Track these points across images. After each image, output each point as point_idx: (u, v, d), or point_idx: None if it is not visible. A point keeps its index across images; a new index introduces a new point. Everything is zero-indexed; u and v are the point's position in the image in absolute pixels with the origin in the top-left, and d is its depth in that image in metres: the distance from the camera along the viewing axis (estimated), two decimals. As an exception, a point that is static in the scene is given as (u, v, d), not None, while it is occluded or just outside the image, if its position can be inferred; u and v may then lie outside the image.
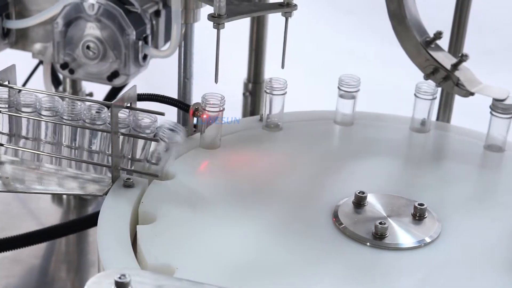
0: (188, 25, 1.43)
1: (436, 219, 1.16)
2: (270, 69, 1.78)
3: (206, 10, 1.31)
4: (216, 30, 1.23)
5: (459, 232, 1.15)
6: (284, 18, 1.30)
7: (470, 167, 1.34)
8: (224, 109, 1.31)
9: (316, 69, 2.60)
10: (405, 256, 1.10)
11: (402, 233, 1.13)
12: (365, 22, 2.44)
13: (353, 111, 1.43)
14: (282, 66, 1.34)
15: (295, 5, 1.30)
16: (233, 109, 1.76)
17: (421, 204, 1.16)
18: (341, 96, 1.42)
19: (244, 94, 1.82)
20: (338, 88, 1.41)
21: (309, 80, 2.53)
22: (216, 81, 1.27)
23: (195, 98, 1.49)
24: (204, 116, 1.30)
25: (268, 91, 1.38)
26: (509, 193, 1.27)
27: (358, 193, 1.18)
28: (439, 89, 1.43)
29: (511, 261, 1.10)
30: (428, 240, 1.12)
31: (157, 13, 1.57)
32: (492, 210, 1.22)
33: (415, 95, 1.41)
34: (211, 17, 1.23)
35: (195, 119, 1.33)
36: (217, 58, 1.26)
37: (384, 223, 1.12)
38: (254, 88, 1.80)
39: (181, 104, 1.39)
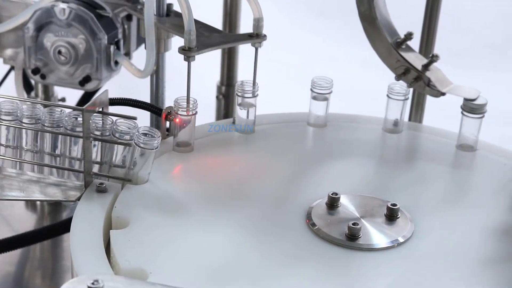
0: (159, 54, 1.43)
1: (409, 219, 1.17)
2: (243, 72, 1.78)
3: (178, 40, 1.33)
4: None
5: (432, 232, 1.16)
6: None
7: (442, 166, 1.35)
8: (196, 112, 1.31)
9: (288, 71, 2.60)
10: (379, 257, 1.10)
11: (375, 234, 1.13)
12: (337, 23, 2.45)
13: (326, 113, 1.43)
14: (253, 95, 1.35)
15: (265, 35, 1.32)
16: (207, 112, 1.77)
17: (394, 205, 1.16)
18: (314, 98, 1.42)
19: (217, 97, 1.82)
20: (311, 90, 1.41)
21: (282, 82, 2.54)
22: (187, 113, 1.27)
23: (168, 101, 1.49)
24: (177, 120, 1.30)
25: (239, 93, 1.38)
26: (480, 191, 1.28)
27: (331, 194, 1.19)
28: (411, 89, 1.43)
29: (484, 258, 1.11)
30: (401, 240, 1.13)
31: (128, 17, 1.57)
32: (464, 209, 1.23)
33: (387, 96, 1.41)
34: (181, 50, 1.24)
35: (167, 123, 1.33)
36: (188, 89, 1.27)
37: (357, 224, 1.12)
38: (227, 90, 1.80)
39: (154, 108, 1.38)
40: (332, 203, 1.18)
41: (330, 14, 2.74)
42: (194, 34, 1.24)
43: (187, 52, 1.24)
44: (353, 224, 1.12)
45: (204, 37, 1.30)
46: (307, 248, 1.11)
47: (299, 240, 1.12)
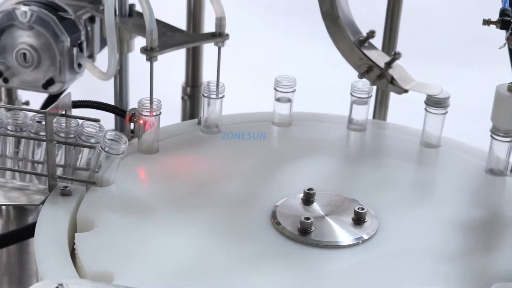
0: (122, 55, 1.43)
1: (374, 216, 1.18)
2: (208, 72, 1.78)
3: (141, 40, 1.32)
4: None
5: (396, 228, 1.17)
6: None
7: (406, 163, 1.36)
8: (160, 113, 1.30)
9: (254, 70, 2.61)
10: (344, 254, 1.11)
11: (340, 231, 1.14)
12: (302, 22, 2.46)
13: (290, 112, 1.44)
14: (216, 95, 1.35)
15: (227, 35, 1.32)
16: (172, 113, 1.76)
17: (361, 208, 1.17)
18: (277, 97, 1.43)
19: (182, 98, 1.82)
20: (275, 89, 1.42)
21: (247, 81, 2.54)
22: (150, 113, 1.27)
23: (133, 103, 1.48)
24: (141, 121, 1.30)
25: (205, 94, 1.38)
26: (444, 188, 1.29)
27: (307, 189, 1.19)
28: (375, 87, 1.44)
29: (448, 254, 1.13)
30: (365, 237, 1.14)
31: (91, 19, 1.56)
32: (428, 204, 1.24)
33: (351, 94, 1.42)
34: (143, 50, 1.24)
35: (132, 125, 1.32)
36: (151, 90, 1.27)
37: (309, 218, 1.13)
38: (193, 91, 1.80)
39: (118, 110, 1.38)
40: (298, 202, 1.19)
41: (295, 13, 2.75)
42: (156, 34, 1.23)
43: (149, 52, 1.24)
44: (305, 218, 1.13)
45: (167, 37, 1.30)
46: (272, 247, 1.11)
47: (264, 239, 1.13)
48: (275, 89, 1.42)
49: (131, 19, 1.40)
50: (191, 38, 1.36)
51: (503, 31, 1.22)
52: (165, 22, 1.37)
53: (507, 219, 1.22)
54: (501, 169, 1.32)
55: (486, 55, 1.74)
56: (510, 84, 1.25)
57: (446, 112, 1.37)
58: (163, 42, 1.26)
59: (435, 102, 1.36)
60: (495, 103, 1.26)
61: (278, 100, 1.43)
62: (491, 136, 1.31)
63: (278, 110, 1.44)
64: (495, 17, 1.21)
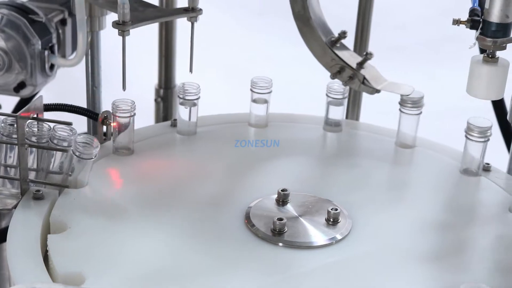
0: (94, 33, 1.41)
1: (347, 216, 1.18)
2: (182, 74, 1.78)
3: (112, 17, 1.30)
4: (121, 37, 1.22)
5: (370, 228, 1.17)
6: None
7: (381, 163, 1.36)
8: (134, 114, 1.30)
9: (229, 71, 2.60)
10: (317, 254, 1.11)
11: (314, 232, 1.14)
12: (277, 23, 2.46)
13: (267, 113, 1.44)
14: (190, 71, 1.34)
15: (200, 9, 1.30)
16: (146, 115, 1.76)
17: (335, 209, 1.17)
18: (253, 98, 1.43)
19: (155, 100, 1.81)
20: (251, 90, 1.42)
21: (223, 83, 2.54)
22: (124, 88, 1.26)
23: (106, 105, 1.48)
24: (114, 123, 1.29)
25: (181, 96, 1.37)
26: (419, 187, 1.30)
27: (281, 190, 1.20)
28: (348, 87, 1.44)
29: (421, 253, 1.13)
30: (339, 237, 1.14)
31: (63, 22, 1.55)
32: (403, 204, 1.25)
33: (326, 95, 1.42)
34: (115, 24, 1.22)
35: (104, 127, 1.32)
36: (124, 65, 1.25)
37: (282, 219, 1.13)
38: (166, 93, 1.80)
39: (90, 112, 1.37)
40: (272, 203, 1.20)
41: (270, 14, 2.75)
42: (127, 8, 1.21)
43: (121, 26, 1.22)
44: (278, 219, 1.13)
45: (139, 12, 1.28)
46: (246, 248, 1.11)
47: (238, 241, 1.13)
48: (251, 90, 1.42)
49: None
50: (163, 12, 1.33)
51: (473, 31, 1.23)
52: None
53: (481, 219, 1.23)
54: (475, 169, 1.33)
55: (457, 54, 1.75)
56: (485, 55, 1.24)
57: (421, 112, 1.38)
58: (135, 16, 1.24)
59: (410, 103, 1.37)
60: (470, 74, 1.25)
61: (254, 101, 1.43)
62: (466, 137, 1.31)
63: (255, 111, 1.44)
64: (465, 16, 1.22)
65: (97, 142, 1.19)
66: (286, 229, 1.13)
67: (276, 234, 1.13)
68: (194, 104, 1.38)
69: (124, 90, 1.26)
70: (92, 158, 1.19)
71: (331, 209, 1.16)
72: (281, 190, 1.20)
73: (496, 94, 1.25)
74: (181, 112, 1.38)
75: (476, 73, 1.24)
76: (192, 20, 1.30)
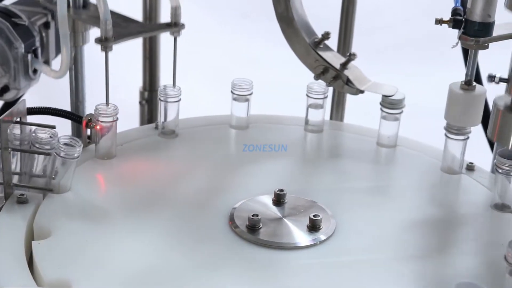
0: (77, 47, 1.41)
1: (331, 216, 1.18)
2: (166, 76, 1.78)
3: (96, 31, 1.31)
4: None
5: (354, 228, 1.18)
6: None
7: (363, 163, 1.37)
8: (117, 118, 1.30)
9: (211, 73, 2.60)
10: (302, 255, 1.11)
11: (298, 233, 1.14)
12: (260, 25, 2.46)
13: (248, 114, 1.44)
14: (174, 85, 1.35)
15: (183, 24, 1.31)
16: (130, 118, 1.75)
17: (316, 215, 1.16)
18: (234, 100, 1.43)
19: (140, 102, 1.81)
20: (231, 92, 1.42)
21: (204, 84, 2.54)
22: (107, 104, 1.27)
23: (90, 109, 1.48)
24: (98, 126, 1.29)
25: (162, 98, 1.37)
26: (401, 186, 1.31)
27: (277, 190, 1.20)
28: (331, 88, 1.45)
29: (405, 252, 1.13)
30: (323, 237, 1.14)
31: (46, 25, 1.55)
32: (386, 204, 1.25)
33: (307, 95, 1.43)
34: (98, 40, 1.23)
35: (88, 130, 1.32)
36: (107, 80, 1.26)
37: (257, 216, 1.14)
38: (150, 96, 1.79)
39: (74, 116, 1.37)
40: (256, 204, 1.20)
41: (253, 16, 2.75)
42: (110, 24, 1.22)
43: (104, 43, 1.23)
44: (253, 215, 1.14)
45: (121, 27, 1.29)
46: (230, 249, 1.11)
47: (222, 242, 1.13)
48: (232, 92, 1.42)
49: (86, 11, 1.38)
50: (146, 28, 1.35)
51: (456, 30, 1.23)
52: (119, 13, 1.36)
53: (464, 217, 1.24)
54: (456, 167, 1.33)
55: (441, 54, 1.76)
56: (463, 82, 1.26)
57: (402, 112, 1.39)
58: (117, 32, 1.25)
59: (390, 104, 1.38)
60: (448, 101, 1.27)
61: (235, 102, 1.43)
62: (446, 135, 1.32)
63: (236, 113, 1.44)
64: (447, 16, 1.23)
65: (80, 142, 1.18)
66: (261, 226, 1.14)
67: (251, 230, 1.13)
68: (176, 107, 1.37)
69: (107, 106, 1.27)
70: (75, 158, 1.18)
71: (314, 216, 1.16)
72: (264, 192, 1.21)
73: (473, 121, 1.28)
74: (162, 114, 1.38)
75: (454, 100, 1.26)
76: (175, 35, 1.32)
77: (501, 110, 1.08)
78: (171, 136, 1.40)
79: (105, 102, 1.29)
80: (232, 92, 1.42)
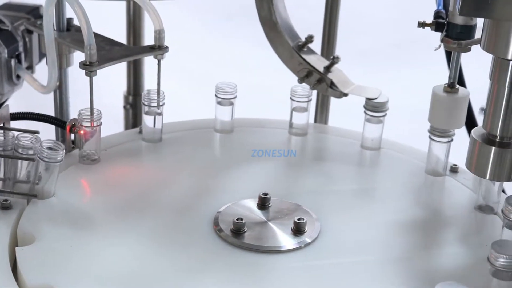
0: (62, 70, 1.41)
1: (315, 219, 1.19)
2: (150, 81, 1.78)
3: (80, 54, 1.31)
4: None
5: (338, 231, 1.18)
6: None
7: (348, 166, 1.37)
8: (101, 123, 1.30)
9: (195, 77, 2.60)
10: (287, 258, 1.11)
11: (283, 236, 1.15)
12: (244, 28, 2.47)
13: (232, 118, 1.44)
14: (157, 106, 1.35)
15: (166, 47, 1.31)
16: (115, 122, 1.76)
17: (301, 219, 1.16)
18: (219, 103, 1.43)
19: (124, 107, 1.81)
20: (216, 95, 1.42)
21: (189, 88, 2.54)
22: (91, 124, 1.27)
23: (73, 113, 1.47)
24: (82, 131, 1.29)
25: (146, 103, 1.37)
26: (386, 188, 1.31)
27: (261, 194, 1.20)
28: (315, 91, 1.45)
29: (391, 254, 1.14)
30: (308, 240, 1.14)
31: (29, 30, 1.55)
32: (370, 206, 1.26)
33: (291, 99, 1.43)
34: (82, 65, 1.23)
35: (72, 135, 1.31)
36: (92, 103, 1.27)
37: (241, 219, 1.14)
38: (135, 100, 1.79)
39: (58, 121, 1.37)
40: (239, 208, 1.20)
41: (236, 19, 2.75)
42: (94, 49, 1.23)
43: (88, 67, 1.24)
44: (237, 219, 1.14)
45: (105, 51, 1.30)
46: (215, 253, 1.11)
47: (207, 246, 1.13)
48: (216, 95, 1.42)
49: (69, 34, 1.39)
50: (130, 51, 1.35)
51: (439, 33, 1.24)
52: (103, 35, 1.36)
53: (448, 218, 1.24)
54: (440, 169, 1.34)
55: (424, 56, 1.77)
56: (446, 85, 1.27)
57: (385, 114, 1.39)
58: (102, 56, 1.26)
59: (374, 107, 1.38)
60: (432, 104, 1.28)
61: (219, 106, 1.43)
62: (429, 137, 1.33)
63: (220, 117, 1.44)
64: (430, 19, 1.23)
65: (63, 146, 1.18)
66: (246, 229, 1.14)
67: (235, 234, 1.13)
68: (159, 112, 1.37)
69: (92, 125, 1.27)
70: (58, 162, 1.18)
71: (298, 219, 1.16)
72: (250, 196, 1.21)
73: (457, 123, 1.29)
74: (146, 120, 1.38)
75: (437, 103, 1.27)
76: (159, 58, 1.32)
77: (478, 142, 1.09)
78: (156, 140, 1.40)
79: (88, 107, 1.29)
80: (216, 95, 1.42)
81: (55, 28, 1.36)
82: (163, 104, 1.38)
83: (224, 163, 1.35)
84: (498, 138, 1.09)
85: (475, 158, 1.11)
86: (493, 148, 1.09)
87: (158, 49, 1.31)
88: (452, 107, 1.27)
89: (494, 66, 1.06)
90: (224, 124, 1.44)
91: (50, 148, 1.17)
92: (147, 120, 1.38)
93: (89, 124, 1.28)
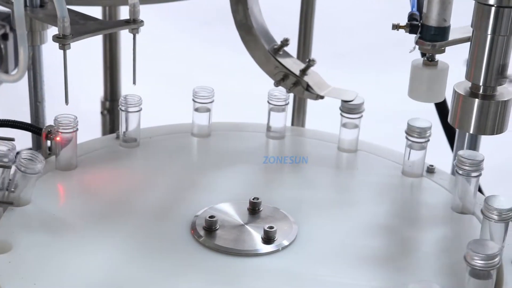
0: (35, 47, 1.40)
1: (293, 222, 1.19)
2: (127, 86, 1.77)
3: (53, 30, 1.30)
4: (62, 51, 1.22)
5: (316, 233, 1.18)
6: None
7: (325, 168, 1.37)
8: (77, 129, 1.29)
9: (172, 81, 2.60)
10: (263, 262, 1.11)
11: (259, 239, 1.15)
12: (220, 32, 2.48)
13: (209, 122, 1.44)
14: (134, 82, 1.34)
15: (142, 21, 1.30)
16: (92, 128, 1.75)
17: (271, 227, 1.16)
18: (196, 108, 1.43)
19: (102, 112, 1.80)
20: (193, 100, 1.42)
21: (166, 93, 2.53)
22: (66, 102, 1.26)
23: (50, 120, 1.46)
24: (58, 138, 1.29)
25: (123, 108, 1.37)
26: (363, 190, 1.31)
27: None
28: (292, 94, 1.45)
29: (368, 255, 1.14)
30: (286, 243, 1.14)
31: (4, 37, 1.54)
32: (348, 208, 1.26)
33: (268, 102, 1.43)
34: (56, 38, 1.22)
35: (48, 142, 1.31)
36: (66, 79, 1.25)
37: (213, 217, 1.14)
38: (112, 105, 1.79)
39: (33, 127, 1.36)
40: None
41: (214, 23, 2.76)
42: (67, 21, 1.21)
43: (62, 40, 1.21)
44: (210, 216, 1.15)
45: (80, 25, 1.27)
46: (193, 258, 1.11)
47: (185, 251, 1.13)
48: (193, 100, 1.42)
49: (43, 10, 1.36)
50: (104, 25, 1.32)
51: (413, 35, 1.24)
52: (78, 11, 1.34)
53: (425, 219, 1.25)
54: (418, 170, 1.35)
55: (400, 58, 1.77)
56: (425, 59, 1.25)
57: (361, 116, 1.39)
58: (76, 30, 1.23)
59: (349, 109, 1.38)
60: (411, 78, 1.26)
61: (196, 110, 1.43)
62: (406, 138, 1.33)
63: (197, 121, 1.44)
64: (404, 21, 1.23)
65: (42, 157, 1.18)
66: (218, 227, 1.15)
67: (207, 231, 1.14)
68: (137, 116, 1.37)
69: (67, 104, 1.26)
70: (37, 174, 1.18)
71: (267, 227, 1.15)
72: (227, 199, 1.21)
73: (437, 96, 1.27)
74: (123, 124, 1.38)
75: (417, 77, 1.26)
76: (134, 32, 1.30)
77: (461, 95, 1.08)
78: (133, 145, 1.39)
79: (64, 113, 1.28)
80: (193, 100, 1.42)
81: (28, 4, 1.34)
82: (140, 109, 1.37)
83: (201, 168, 1.35)
84: (481, 90, 1.09)
85: (458, 112, 1.10)
86: (476, 100, 1.08)
87: (133, 22, 1.30)
88: (431, 80, 1.26)
89: (476, 13, 1.05)
90: (201, 128, 1.44)
91: (28, 159, 1.16)
92: (125, 125, 1.38)
93: (65, 130, 1.28)
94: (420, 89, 1.26)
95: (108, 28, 1.32)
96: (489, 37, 1.06)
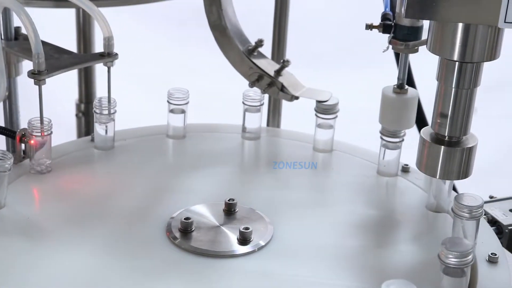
0: (11, 79, 1.40)
1: (268, 223, 1.19)
2: (102, 88, 1.77)
3: (29, 63, 1.30)
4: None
5: (292, 234, 1.18)
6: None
7: (301, 169, 1.37)
8: (51, 132, 1.29)
9: (147, 83, 2.60)
10: (239, 263, 1.11)
11: (235, 241, 1.15)
12: (194, 33, 2.47)
13: (185, 124, 1.44)
14: (109, 113, 1.34)
15: (116, 54, 1.31)
16: (67, 131, 1.74)
17: (246, 228, 1.16)
18: (171, 109, 1.43)
19: (77, 115, 1.80)
20: (168, 101, 1.42)
21: (140, 95, 2.53)
22: (42, 134, 1.26)
23: (24, 123, 1.46)
24: (32, 141, 1.28)
25: (97, 111, 1.36)
26: (339, 190, 1.32)
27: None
28: (267, 95, 1.46)
29: (344, 253, 1.15)
30: (262, 243, 1.15)
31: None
32: (323, 208, 1.27)
33: (243, 102, 1.43)
34: (31, 74, 1.22)
35: (23, 145, 1.30)
36: (41, 113, 1.26)
37: (189, 218, 1.15)
38: (87, 108, 1.78)
39: (7, 131, 1.35)
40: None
41: (191, 24, 2.75)
42: (42, 57, 1.22)
43: (37, 76, 1.23)
44: (185, 218, 1.15)
45: (54, 59, 1.29)
46: (169, 260, 1.11)
47: (161, 253, 1.12)
48: (168, 101, 1.42)
49: (18, 42, 1.37)
50: (79, 59, 1.34)
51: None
52: (52, 44, 1.35)
53: (400, 217, 1.25)
54: (393, 170, 1.35)
55: (374, 58, 1.78)
56: (395, 86, 1.28)
57: (336, 116, 1.40)
58: (50, 64, 1.25)
59: (324, 110, 1.39)
60: (382, 105, 1.29)
61: (171, 112, 1.43)
62: (381, 138, 1.34)
63: (172, 123, 1.44)
64: (377, 21, 1.24)
65: (10, 155, 1.17)
66: (193, 228, 1.15)
67: (183, 233, 1.14)
68: (112, 119, 1.37)
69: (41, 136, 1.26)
70: (6, 171, 1.17)
71: (243, 228, 1.15)
72: (203, 201, 1.21)
73: (407, 124, 1.31)
74: (98, 127, 1.37)
75: (387, 104, 1.28)
76: (109, 65, 1.31)
77: (428, 141, 1.10)
78: (108, 148, 1.39)
79: (38, 117, 1.28)
80: (168, 101, 1.42)
81: (2, 38, 1.34)
82: (115, 111, 1.37)
83: (177, 169, 1.35)
84: (446, 138, 1.10)
85: (425, 158, 1.12)
86: (442, 147, 1.10)
87: (107, 56, 1.31)
88: (401, 107, 1.29)
89: (440, 67, 1.07)
90: (177, 130, 1.44)
91: None
92: (99, 128, 1.37)
93: (39, 134, 1.27)
94: (391, 116, 1.30)
95: (83, 62, 1.34)
96: (453, 90, 1.06)
